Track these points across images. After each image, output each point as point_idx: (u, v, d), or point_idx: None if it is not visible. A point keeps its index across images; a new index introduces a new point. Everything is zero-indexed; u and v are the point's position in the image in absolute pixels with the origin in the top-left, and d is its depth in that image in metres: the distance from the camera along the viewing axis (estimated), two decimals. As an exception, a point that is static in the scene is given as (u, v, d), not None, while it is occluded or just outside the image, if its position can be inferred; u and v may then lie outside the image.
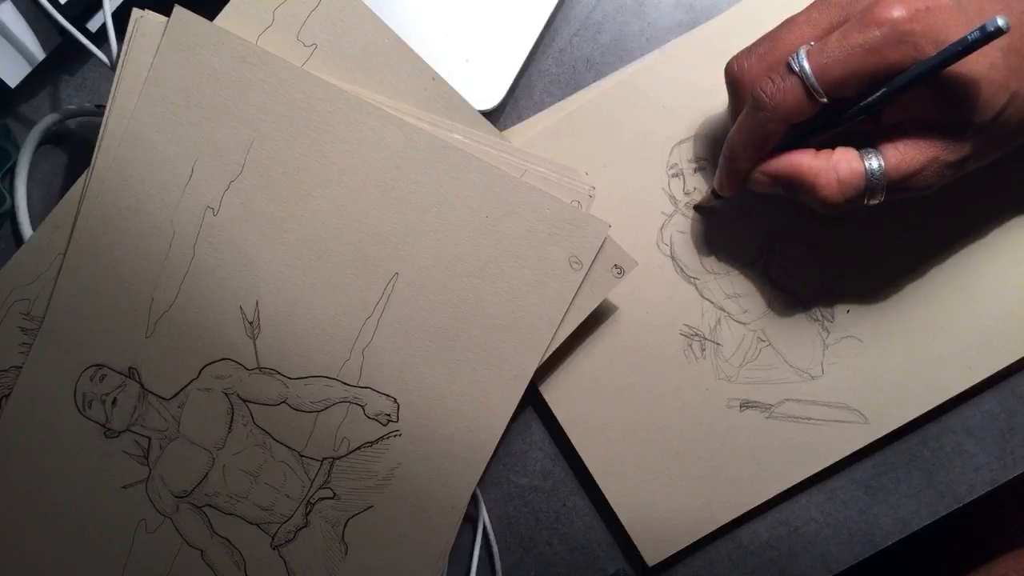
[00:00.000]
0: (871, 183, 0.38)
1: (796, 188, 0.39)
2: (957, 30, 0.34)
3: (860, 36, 0.35)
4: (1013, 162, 0.41)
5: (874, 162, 0.38)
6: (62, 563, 0.44)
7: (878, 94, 0.36)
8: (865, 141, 0.39)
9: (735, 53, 0.40)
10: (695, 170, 0.46)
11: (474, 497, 0.46)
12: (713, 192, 0.44)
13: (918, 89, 0.36)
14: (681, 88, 0.46)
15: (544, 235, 0.43)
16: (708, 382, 0.46)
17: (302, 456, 0.44)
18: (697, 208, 0.46)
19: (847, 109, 0.38)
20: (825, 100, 0.37)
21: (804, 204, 0.40)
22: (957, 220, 0.45)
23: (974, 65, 0.35)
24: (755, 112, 0.38)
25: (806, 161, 0.39)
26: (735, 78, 0.40)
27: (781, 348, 0.46)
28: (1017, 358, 0.45)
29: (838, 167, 0.38)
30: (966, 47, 0.33)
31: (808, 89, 0.36)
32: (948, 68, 0.35)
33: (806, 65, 0.36)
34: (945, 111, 0.36)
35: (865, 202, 0.38)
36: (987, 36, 0.33)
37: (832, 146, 0.39)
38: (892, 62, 0.35)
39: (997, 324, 0.45)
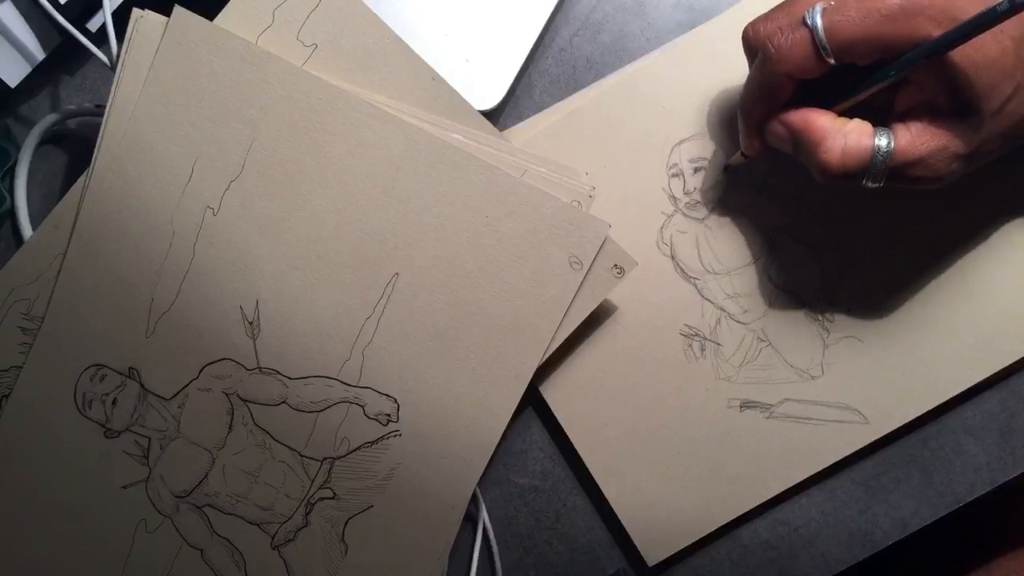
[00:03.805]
0: (874, 162, 0.37)
1: (801, 144, 0.39)
2: (974, 10, 0.34)
3: (879, 1, 0.35)
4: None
5: (883, 140, 0.37)
6: (62, 563, 0.44)
7: (900, 60, 0.36)
8: (880, 123, 0.38)
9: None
10: (695, 170, 0.46)
11: (474, 497, 0.46)
12: (742, 153, 0.44)
13: (930, 70, 0.36)
14: (681, 88, 0.46)
15: (544, 235, 0.43)
16: (708, 382, 0.46)
17: (302, 456, 0.44)
18: (727, 168, 0.45)
19: (864, 79, 0.38)
20: (832, 61, 0.36)
21: (805, 165, 0.39)
22: (957, 220, 0.45)
23: (986, 49, 0.35)
24: (762, 64, 0.38)
25: (819, 120, 0.38)
26: (748, 39, 0.39)
27: (781, 348, 0.46)
28: (1017, 358, 0.45)
29: (847, 136, 0.38)
30: (996, 17, 0.33)
31: (817, 46, 0.36)
32: (959, 50, 0.35)
33: (819, 20, 0.36)
34: (956, 94, 0.36)
35: (864, 183, 0.38)
36: (1016, 7, 0.32)
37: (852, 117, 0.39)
38: (905, 33, 0.35)
39: (997, 324, 0.45)
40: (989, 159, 0.39)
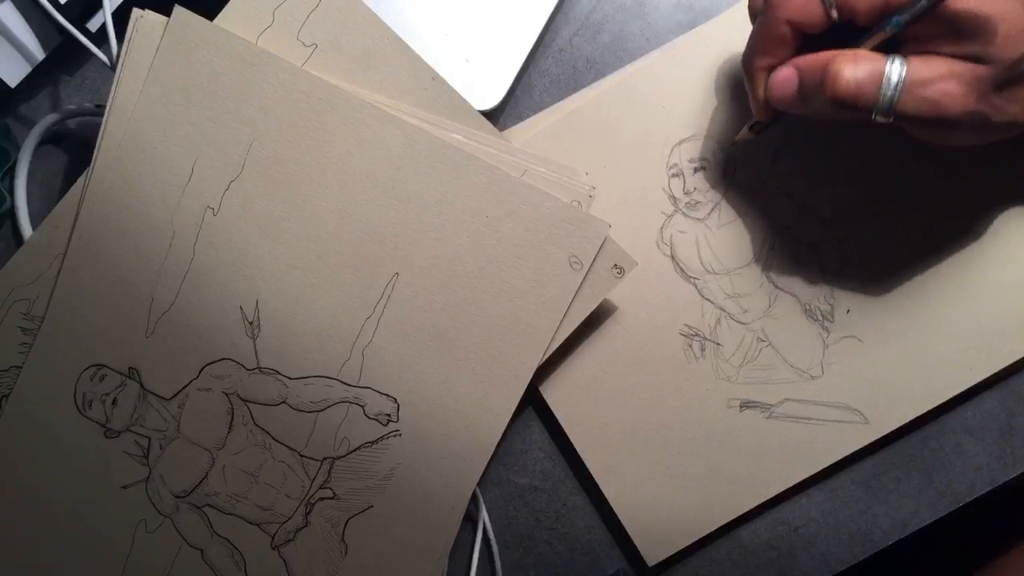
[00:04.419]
0: (885, 86, 0.36)
1: (809, 78, 0.38)
2: None
3: None
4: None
5: (896, 64, 0.36)
6: (62, 563, 0.44)
7: (904, 15, 0.36)
8: None
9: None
10: (695, 170, 0.46)
11: (474, 497, 0.46)
12: (749, 127, 0.43)
13: (937, 27, 0.36)
14: (681, 88, 0.46)
15: (544, 235, 0.43)
16: (708, 382, 0.46)
17: (302, 456, 0.44)
18: (735, 144, 0.45)
19: (868, 31, 0.37)
20: (835, 14, 0.36)
21: (815, 108, 0.39)
22: (957, 219, 0.45)
23: (993, 4, 0.35)
24: (765, 13, 0.38)
25: (828, 55, 0.38)
26: (753, 4, 0.40)
27: (781, 348, 0.46)
28: (1017, 358, 0.45)
29: (859, 58, 0.37)
30: None
31: None
32: (966, 6, 0.34)
33: None
34: (965, 42, 0.36)
35: (874, 117, 0.37)
36: None
37: None
38: None
39: (997, 324, 0.45)
40: (1008, 132, 0.37)
